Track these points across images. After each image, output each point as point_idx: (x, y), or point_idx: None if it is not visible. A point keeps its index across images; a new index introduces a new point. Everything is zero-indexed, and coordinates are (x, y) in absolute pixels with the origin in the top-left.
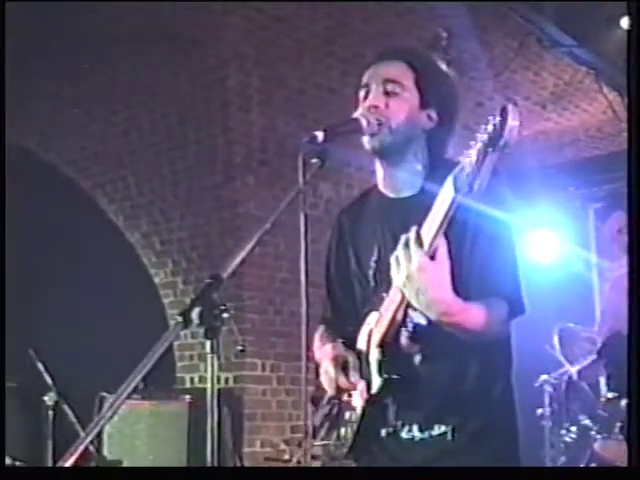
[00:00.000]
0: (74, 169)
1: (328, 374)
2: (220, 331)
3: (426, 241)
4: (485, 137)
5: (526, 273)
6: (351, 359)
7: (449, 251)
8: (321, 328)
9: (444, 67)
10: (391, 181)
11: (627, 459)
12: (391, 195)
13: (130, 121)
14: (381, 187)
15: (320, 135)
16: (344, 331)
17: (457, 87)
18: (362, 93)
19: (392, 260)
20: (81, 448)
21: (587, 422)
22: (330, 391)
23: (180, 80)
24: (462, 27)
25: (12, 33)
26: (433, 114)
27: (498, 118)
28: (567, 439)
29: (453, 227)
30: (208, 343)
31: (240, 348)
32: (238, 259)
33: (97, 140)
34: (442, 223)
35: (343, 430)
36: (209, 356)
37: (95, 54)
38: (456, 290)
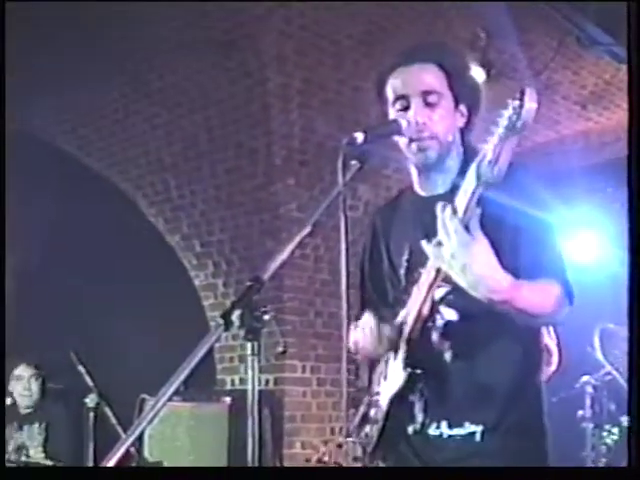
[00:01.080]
0: (115, 172)
1: (370, 331)
2: (261, 333)
3: (460, 211)
4: (505, 122)
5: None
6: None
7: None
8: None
9: (473, 64)
10: (426, 181)
11: (627, 459)
12: (423, 194)
13: (171, 124)
14: (416, 187)
15: (360, 137)
16: None
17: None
18: (399, 104)
19: (433, 245)
20: (122, 449)
21: None
22: (370, 348)
23: (221, 83)
24: (501, 27)
25: (53, 37)
26: (464, 109)
27: (517, 101)
28: (608, 441)
29: (489, 227)
30: (249, 345)
31: (281, 349)
32: (279, 261)
33: (138, 143)
34: (467, 207)
35: (368, 428)
36: (250, 358)
37: (137, 58)
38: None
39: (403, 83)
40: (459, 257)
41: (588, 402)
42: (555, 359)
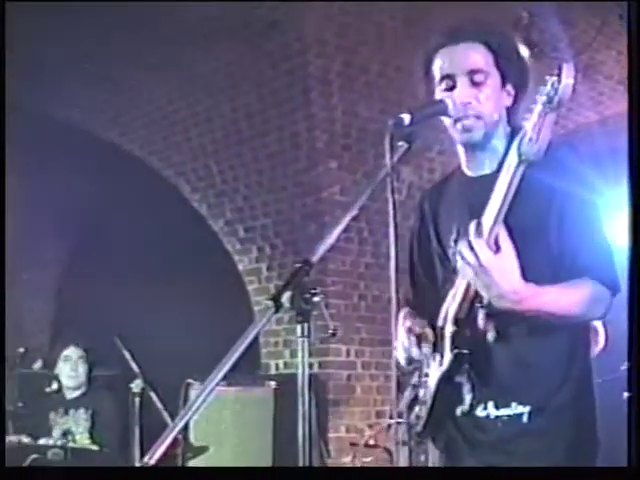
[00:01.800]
0: (157, 159)
1: (402, 344)
2: (311, 315)
3: (486, 227)
4: (544, 98)
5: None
6: (427, 331)
7: (513, 240)
8: (404, 311)
9: (521, 44)
10: (474, 161)
11: (627, 459)
12: (471, 174)
13: (212, 109)
14: (464, 168)
15: (406, 118)
16: (427, 312)
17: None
18: (445, 83)
19: (457, 257)
20: (172, 436)
21: None
22: (402, 362)
23: (261, 67)
24: (543, 6)
25: (94, 25)
26: (511, 89)
27: (554, 77)
28: None
29: (537, 207)
30: (299, 327)
31: (331, 332)
32: (327, 243)
33: (179, 129)
34: (507, 193)
35: (417, 409)
36: (300, 340)
37: (176, 44)
38: (542, 272)
39: (449, 62)
40: (481, 278)
41: None
42: (602, 339)
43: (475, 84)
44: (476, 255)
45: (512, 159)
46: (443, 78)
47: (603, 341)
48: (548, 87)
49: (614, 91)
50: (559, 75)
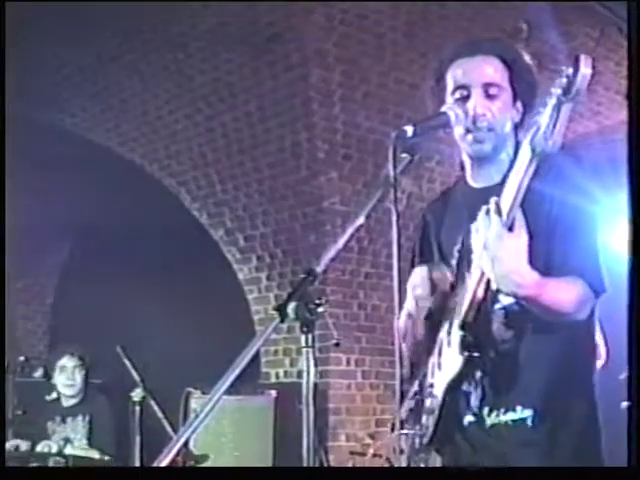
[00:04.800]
0: (158, 168)
1: (421, 279)
2: (315, 325)
3: (504, 211)
4: (559, 91)
5: (608, 262)
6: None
7: (528, 227)
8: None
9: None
10: (478, 173)
11: (627, 459)
12: (475, 185)
13: (213, 119)
14: (468, 179)
15: (409, 130)
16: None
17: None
18: (459, 93)
19: (472, 228)
20: (177, 447)
21: None
22: (422, 302)
23: (262, 77)
24: (542, 18)
25: (95, 35)
26: (520, 106)
27: (570, 69)
28: None
29: (534, 211)
30: (303, 337)
31: (335, 342)
32: (332, 253)
33: (180, 138)
34: (520, 186)
35: (425, 418)
36: (304, 350)
37: (176, 53)
38: (535, 266)
39: (465, 73)
40: (490, 249)
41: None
42: (602, 352)
43: (489, 97)
44: (489, 226)
45: (524, 155)
46: (457, 88)
47: (604, 354)
48: (563, 79)
49: (612, 102)
50: (575, 66)
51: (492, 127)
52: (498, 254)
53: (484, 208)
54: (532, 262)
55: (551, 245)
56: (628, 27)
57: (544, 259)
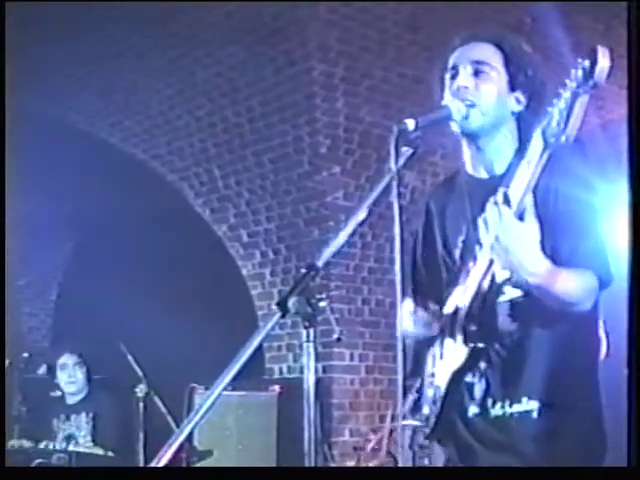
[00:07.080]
0: (160, 164)
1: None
2: (316, 320)
3: (514, 200)
4: (574, 84)
5: (611, 253)
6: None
7: (538, 216)
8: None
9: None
10: (479, 162)
11: (627, 459)
12: (478, 176)
13: (215, 114)
14: (469, 169)
15: (411, 123)
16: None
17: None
18: (449, 75)
19: (480, 222)
20: (178, 442)
21: None
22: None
23: (265, 72)
24: (546, 12)
25: (97, 31)
26: (522, 97)
27: (587, 61)
28: None
29: (539, 203)
30: (304, 332)
31: (337, 337)
32: (334, 248)
33: (182, 134)
34: (531, 178)
35: (427, 409)
36: (306, 345)
37: (181, 49)
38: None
39: (456, 57)
40: (502, 241)
41: None
42: (604, 347)
43: (477, 74)
44: (499, 218)
45: (536, 146)
46: (449, 70)
47: (605, 349)
48: (579, 72)
49: (617, 96)
50: (593, 58)
51: (474, 103)
52: (511, 244)
53: (492, 199)
54: (543, 251)
55: (557, 237)
56: (628, 27)
57: (551, 250)
